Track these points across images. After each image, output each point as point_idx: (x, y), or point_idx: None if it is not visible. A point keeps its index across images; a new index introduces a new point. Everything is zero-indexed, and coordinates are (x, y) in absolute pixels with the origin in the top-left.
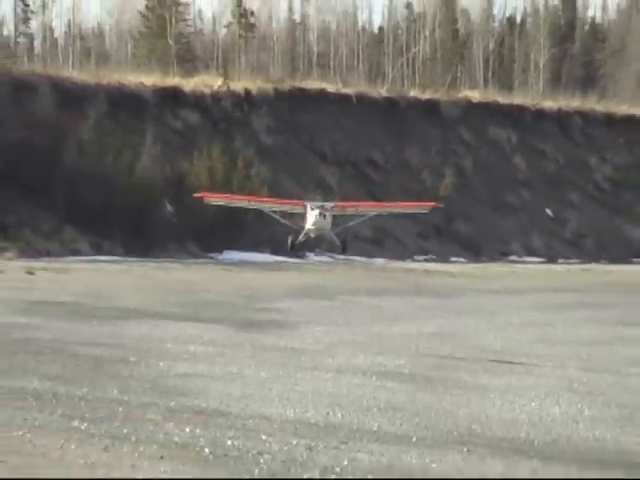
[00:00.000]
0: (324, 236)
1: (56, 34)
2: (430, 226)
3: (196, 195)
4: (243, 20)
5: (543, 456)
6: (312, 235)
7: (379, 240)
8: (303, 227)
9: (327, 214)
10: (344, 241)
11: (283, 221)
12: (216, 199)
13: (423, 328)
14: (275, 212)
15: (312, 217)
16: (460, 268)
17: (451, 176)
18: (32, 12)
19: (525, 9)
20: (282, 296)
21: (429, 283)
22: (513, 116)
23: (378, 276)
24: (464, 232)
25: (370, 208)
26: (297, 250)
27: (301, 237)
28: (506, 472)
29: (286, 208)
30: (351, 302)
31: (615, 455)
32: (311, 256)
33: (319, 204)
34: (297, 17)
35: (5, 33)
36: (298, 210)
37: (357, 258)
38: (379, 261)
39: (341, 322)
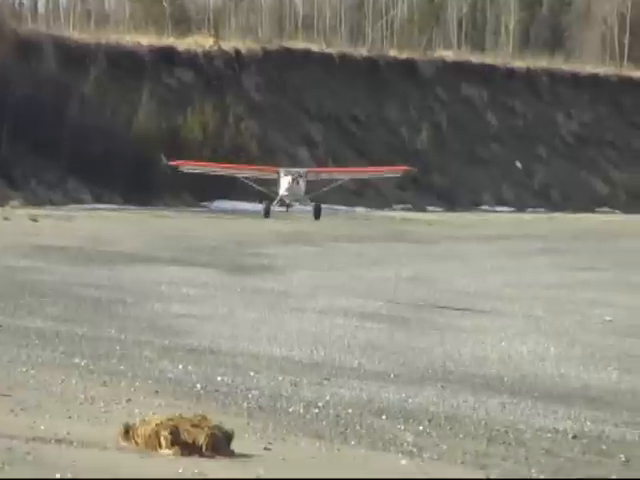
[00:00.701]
0: (298, 202)
1: None
2: (407, 177)
3: (171, 163)
4: None
5: (512, 391)
6: (286, 201)
7: (360, 190)
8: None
9: (300, 180)
10: (318, 208)
11: (258, 188)
12: (190, 166)
13: (401, 272)
14: (248, 178)
15: (285, 183)
16: (436, 217)
17: (427, 131)
18: None
19: None
20: (270, 242)
21: (407, 231)
22: (485, 75)
23: (359, 224)
24: (439, 183)
25: (343, 174)
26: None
27: (275, 203)
28: (476, 404)
29: (259, 174)
30: (334, 248)
31: (578, 390)
32: (297, 205)
33: (292, 170)
34: None
35: None
36: (271, 176)
37: (340, 207)
38: (360, 210)
39: (325, 267)
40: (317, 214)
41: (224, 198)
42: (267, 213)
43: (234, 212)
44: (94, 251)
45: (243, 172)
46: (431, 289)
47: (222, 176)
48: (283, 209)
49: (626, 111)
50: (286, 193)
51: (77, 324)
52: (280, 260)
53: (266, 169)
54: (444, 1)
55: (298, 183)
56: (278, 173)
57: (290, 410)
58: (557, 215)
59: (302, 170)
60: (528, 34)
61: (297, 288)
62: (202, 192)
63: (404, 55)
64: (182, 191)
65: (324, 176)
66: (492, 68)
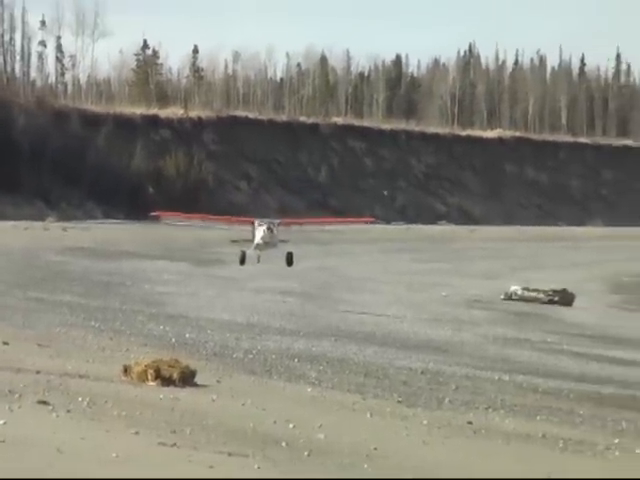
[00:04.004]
0: (272, 248)
1: (82, 81)
2: (315, 201)
3: (153, 214)
4: (196, 73)
5: (382, 342)
6: (260, 250)
7: (283, 210)
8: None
9: (274, 229)
10: (290, 255)
11: (233, 240)
12: (170, 217)
13: (310, 264)
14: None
15: (260, 232)
16: (332, 227)
17: (325, 171)
18: (66, 69)
19: (370, 67)
20: (223, 244)
21: (314, 237)
22: (363, 133)
23: (283, 233)
24: (334, 205)
25: (312, 225)
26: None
27: (250, 251)
28: (358, 351)
29: (236, 226)
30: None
31: (425, 342)
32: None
33: (267, 220)
34: (230, 71)
35: (50, 81)
36: (246, 227)
37: None
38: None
39: (260, 260)
40: (289, 261)
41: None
42: (242, 261)
43: (199, 224)
44: (104, 250)
45: (220, 223)
46: (330, 275)
47: (191, 199)
48: (255, 258)
49: (456, 157)
50: (261, 241)
51: (93, 299)
52: (229, 256)
53: (242, 220)
54: (336, 84)
55: (272, 232)
56: (253, 223)
57: (234, 356)
58: (412, 226)
59: (275, 221)
60: (392, 106)
61: (240, 275)
62: (176, 209)
63: (310, 120)
64: (164, 209)
65: (295, 227)
66: (368, 129)
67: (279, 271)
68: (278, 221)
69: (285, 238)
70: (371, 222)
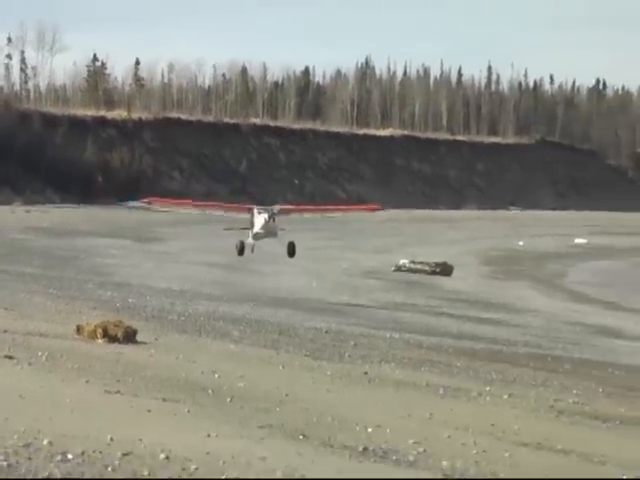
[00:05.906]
0: (272, 238)
1: (42, 88)
2: (236, 189)
3: (144, 201)
4: (138, 82)
5: (293, 307)
6: (259, 239)
7: (210, 195)
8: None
9: (275, 217)
10: (292, 245)
11: (227, 229)
12: (163, 204)
13: (232, 242)
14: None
15: (261, 220)
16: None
17: (245, 163)
18: (29, 78)
19: (283, 76)
20: (161, 225)
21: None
22: (278, 132)
23: (210, 216)
24: (253, 191)
25: (314, 212)
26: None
27: (249, 240)
28: (273, 314)
29: (233, 214)
30: (199, 227)
31: (329, 306)
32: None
33: (267, 208)
34: (166, 80)
35: (15, 88)
36: (244, 215)
37: None
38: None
39: (192, 238)
40: (292, 252)
41: (135, 199)
42: (241, 251)
43: (141, 207)
44: (62, 230)
45: (215, 210)
46: (248, 250)
47: (134, 185)
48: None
49: (354, 152)
50: (262, 230)
51: (52, 270)
52: (165, 235)
53: (239, 208)
54: (255, 91)
55: (274, 220)
56: (251, 211)
57: (169, 317)
58: None
59: (275, 208)
60: (301, 109)
61: (175, 250)
62: (122, 195)
63: (233, 120)
64: (110, 195)
65: (295, 215)
66: (281, 128)
67: (206, 247)
68: (278, 208)
69: (283, 227)
70: (378, 210)
